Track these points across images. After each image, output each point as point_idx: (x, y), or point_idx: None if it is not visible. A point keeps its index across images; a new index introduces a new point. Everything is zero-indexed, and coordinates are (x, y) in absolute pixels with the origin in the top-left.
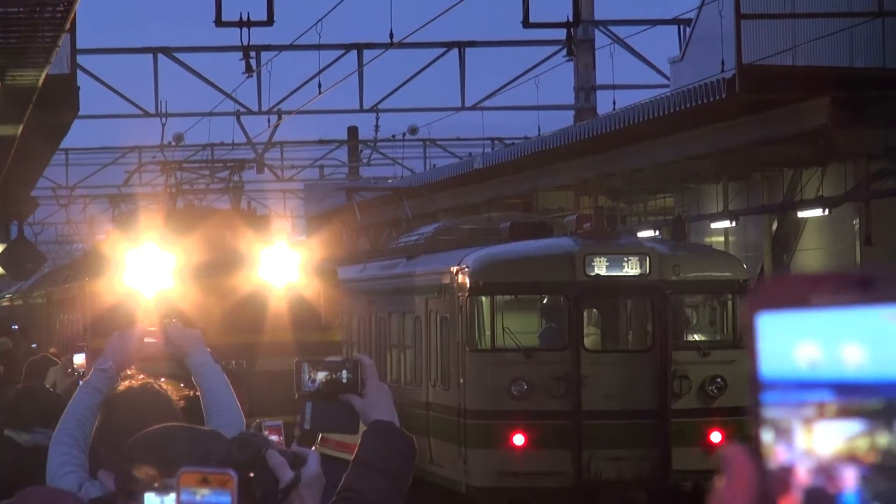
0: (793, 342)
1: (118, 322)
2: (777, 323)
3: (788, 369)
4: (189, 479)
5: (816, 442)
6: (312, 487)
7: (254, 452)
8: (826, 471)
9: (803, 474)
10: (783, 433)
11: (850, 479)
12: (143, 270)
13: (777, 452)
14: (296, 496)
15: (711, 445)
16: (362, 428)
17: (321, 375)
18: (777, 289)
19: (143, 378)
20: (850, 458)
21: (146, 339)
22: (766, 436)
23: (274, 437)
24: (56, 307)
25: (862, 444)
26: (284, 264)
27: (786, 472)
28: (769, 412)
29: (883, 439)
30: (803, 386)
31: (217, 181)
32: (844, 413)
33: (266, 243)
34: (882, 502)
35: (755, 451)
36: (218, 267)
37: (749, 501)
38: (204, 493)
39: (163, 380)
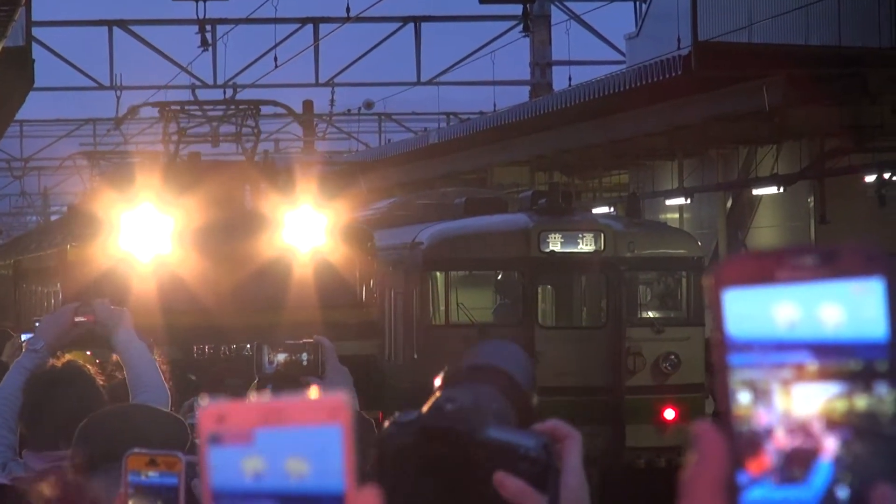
0: (766, 305)
1: (108, 295)
2: (745, 295)
3: (761, 330)
4: (136, 461)
5: (792, 404)
6: None
7: None
8: (802, 433)
9: (777, 437)
10: (756, 395)
11: (827, 441)
12: (138, 234)
13: (749, 415)
14: None
15: (665, 422)
16: None
17: (281, 357)
18: (743, 265)
19: (68, 358)
20: (828, 420)
21: (77, 319)
22: (736, 399)
23: None
24: (25, 277)
25: (840, 406)
26: (310, 227)
27: (758, 436)
28: (739, 374)
29: (861, 402)
30: (777, 347)
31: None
32: (821, 375)
33: (288, 202)
34: (859, 465)
35: (725, 425)
36: (229, 231)
37: (720, 477)
38: (151, 475)
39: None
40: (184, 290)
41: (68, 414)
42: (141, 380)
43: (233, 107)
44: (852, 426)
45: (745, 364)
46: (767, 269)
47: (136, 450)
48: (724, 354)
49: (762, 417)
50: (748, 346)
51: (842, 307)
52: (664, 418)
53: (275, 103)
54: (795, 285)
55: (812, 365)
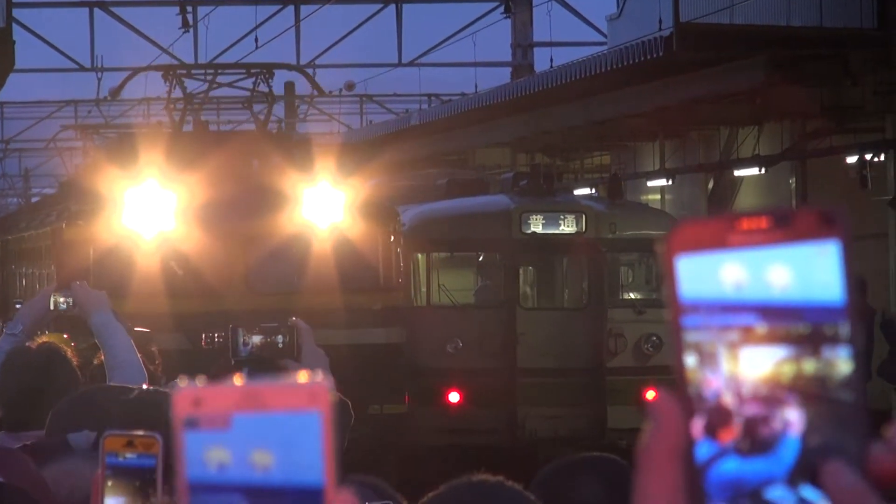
0: (716, 267)
1: (107, 278)
2: (697, 261)
3: (711, 291)
4: (114, 442)
5: (742, 367)
6: None
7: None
8: (759, 400)
9: (732, 402)
10: (708, 358)
11: (789, 410)
12: (140, 211)
13: (703, 379)
14: None
15: (647, 403)
16: None
17: (256, 339)
18: (694, 231)
19: (44, 339)
20: (777, 384)
21: (58, 301)
22: (690, 361)
23: None
24: (13, 258)
25: (788, 369)
26: (329, 203)
27: (719, 402)
28: (692, 336)
29: (810, 366)
30: (727, 308)
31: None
32: (771, 338)
33: (305, 176)
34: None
35: (680, 389)
36: (240, 207)
37: (678, 445)
38: (129, 456)
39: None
40: (191, 272)
41: (42, 395)
42: (117, 360)
43: (243, 71)
44: (802, 391)
45: (695, 326)
46: (719, 233)
47: (113, 431)
48: (678, 316)
49: (711, 382)
50: (696, 308)
51: (792, 270)
52: (646, 399)
53: (290, 67)
54: (747, 250)
55: (760, 327)
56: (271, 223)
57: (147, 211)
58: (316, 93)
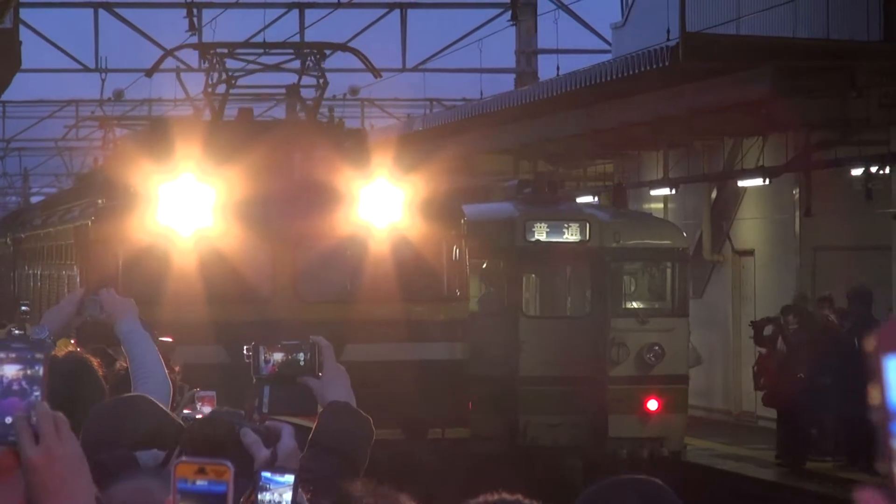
0: None
1: (139, 281)
2: None
3: None
4: (185, 469)
5: None
6: (288, 463)
7: (226, 430)
8: None
9: None
10: None
11: None
12: (176, 209)
13: None
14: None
15: (648, 413)
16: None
17: (277, 357)
18: None
19: (71, 348)
20: None
21: (84, 307)
22: None
23: (207, 409)
24: (27, 257)
25: None
26: (387, 203)
27: None
28: None
29: None
30: None
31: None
32: None
33: (360, 171)
34: None
35: (890, 492)
36: (287, 205)
37: None
38: (200, 483)
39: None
40: (232, 276)
41: (72, 405)
42: (143, 370)
43: (291, 51)
44: None
45: None
46: None
47: (185, 458)
48: (887, 422)
49: None
50: None
51: None
52: (647, 409)
53: (344, 48)
54: None
55: None
56: (322, 223)
57: (183, 208)
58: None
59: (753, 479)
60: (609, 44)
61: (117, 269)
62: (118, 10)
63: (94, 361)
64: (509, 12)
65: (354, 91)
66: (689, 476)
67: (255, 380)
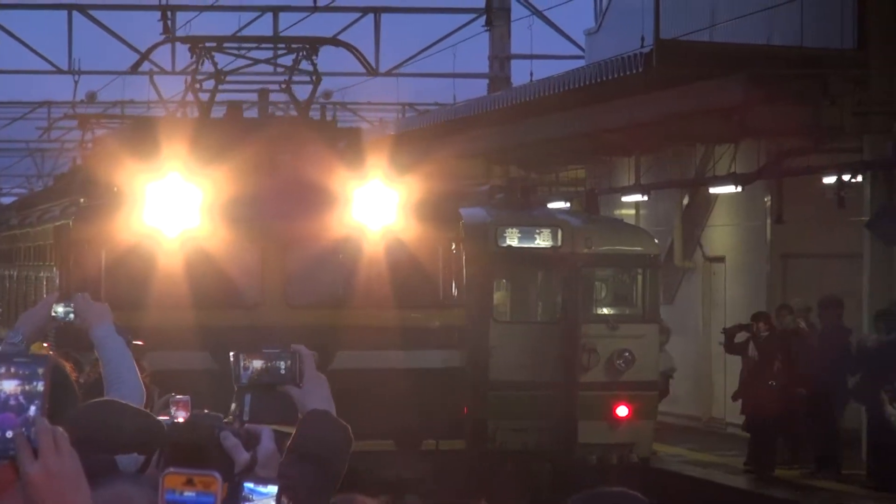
0: None
1: (122, 284)
2: None
3: None
4: (174, 480)
5: None
6: (268, 467)
7: (206, 434)
8: None
9: None
10: None
11: None
12: (161, 209)
13: None
14: (252, 478)
15: (618, 419)
16: None
17: (258, 365)
18: None
19: (44, 352)
20: None
21: (53, 312)
22: None
23: (182, 414)
24: (3, 257)
25: None
26: (381, 204)
27: None
28: None
29: None
30: None
31: (275, 74)
32: None
33: (353, 171)
34: None
35: None
36: (277, 207)
37: None
38: (188, 494)
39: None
40: (219, 280)
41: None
42: (116, 376)
43: (283, 45)
44: None
45: None
46: None
47: (173, 469)
48: None
49: None
50: None
51: None
52: (617, 415)
53: (337, 42)
54: None
55: None
56: (313, 225)
57: (169, 208)
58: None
59: (722, 485)
60: (582, 50)
61: (100, 271)
62: (92, 13)
63: (68, 366)
64: (483, 17)
65: (327, 95)
66: (657, 482)
67: (235, 388)
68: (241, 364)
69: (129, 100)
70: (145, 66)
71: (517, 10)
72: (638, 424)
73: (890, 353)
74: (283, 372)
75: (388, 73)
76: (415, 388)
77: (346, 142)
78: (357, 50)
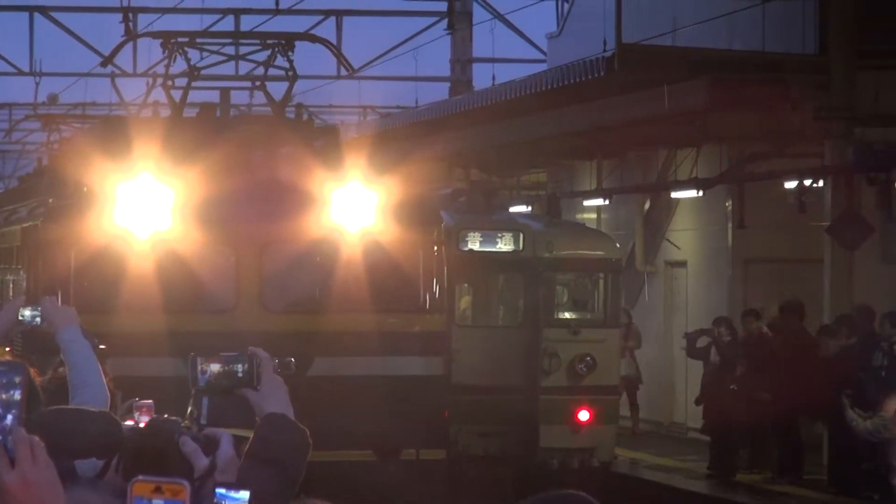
0: None
1: (92, 287)
2: None
3: None
4: (142, 487)
5: None
6: (227, 471)
7: (165, 439)
8: None
9: None
10: None
11: None
12: (132, 210)
13: None
14: (211, 483)
15: (579, 424)
16: None
17: (215, 368)
18: None
19: (8, 356)
20: None
21: (20, 316)
22: None
23: (146, 419)
24: None
25: None
26: (359, 206)
27: None
28: None
29: None
30: None
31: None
32: None
33: (331, 172)
34: None
35: None
36: (252, 208)
37: None
38: (156, 501)
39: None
40: (192, 284)
41: None
42: (82, 380)
43: (258, 42)
44: None
45: None
46: None
47: (142, 477)
48: None
49: None
50: None
51: None
52: (578, 419)
53: (314, 38)
54: None
55: None
56: (290, 227)
57: (140, 208)
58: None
59: (683, 490)
60: (545, 54)
61: (69, 273)
62: (53, 14)
63: (31, 369)
64: (445, 21)
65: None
66: (619, 487)
67: (192, 391)
68: (199, 367)
69: (91, 101)
70: (107, 67)
71: (479, 14)
72: (599, 429)
73: (850, 357)
74: (240, 375)
75: (350, 76)
76: (394, 395)
77: (323, 141)
78: (334, 46)
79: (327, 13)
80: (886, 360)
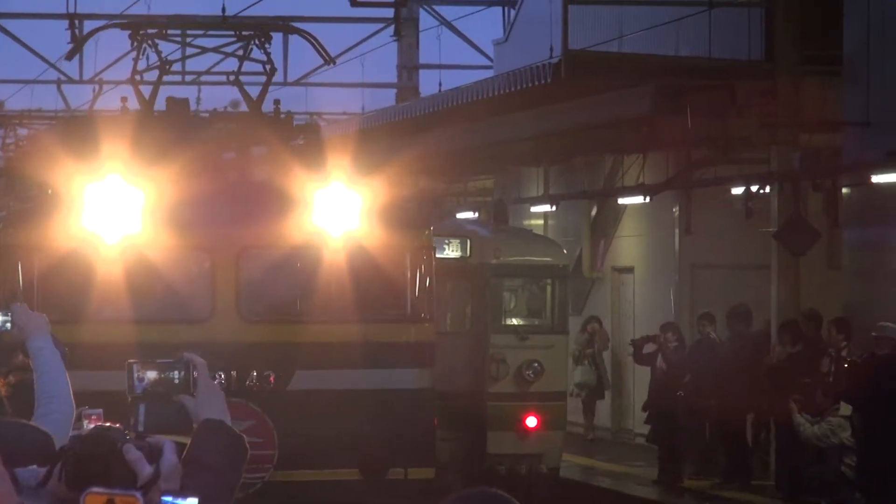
0: None
1: (58, 295)
2: None
3: None
4: (95, 500)
5: None
6: (171, 479)
7: (109, 447)
8: None
9: None
10: None
11: None
12: (100, 214)
13: None
14: (155, 491)
15: (527, 430)
16: None
17: (151, 375)
18: None
19: None
20: None
21: None
22: None
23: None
24: None
25: None
26: (343, 209)
27: None
28: None
29: None
30: None
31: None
32: None
33: (313, 173)
34: None
35: None
36: (228, 211)
37: None
38: None
39: None
40: (166, 292)
41: None
42: (49, 389)
43: (233, 32)
44: None
45: None
46: None
47: (95, 489)
48: None
49: None
50: None
51: None
52: (526, 425)
53: (293, 30)
54: None
55: None
56: (269, 231)
57: (109, 212)
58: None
59: (631, 496)
60: (491, 60)
61: (33, 281)
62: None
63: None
64: (392, 27)
65: (235, 104)
66: (566, 493)
67: (129, 399)
68: (136, 375)
69: (38, 108)
70: (52, 74)
71: (426, 20)
72: (547, 435)
73: (797, 363)
74: (176, 382)
75: (297, 83)
76: (381, 410)
77: (304, 139)
78: (314, 37)
79: (274, 20)
80: (834, 366)
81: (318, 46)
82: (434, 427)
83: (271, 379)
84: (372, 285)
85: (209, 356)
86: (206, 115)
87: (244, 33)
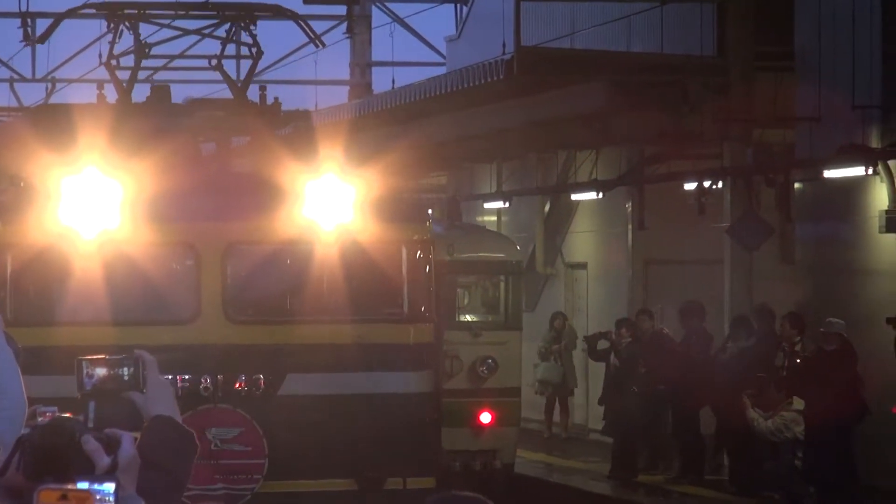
0: None
1: (31, 294)
2: None
3: None
4: (49, 495)
5: None
6: (129, 471)
7: (67, 438)
8: None
9: None
10: None
11: None
12: (77, 208)
13: None
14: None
15: (481, 426)
16: None
17: (101, 372)
18: None
19: None
20: None
21: None
22: None
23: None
24: None
25: None
26: (336, 201)
27: None
28: None
29: None
30: None
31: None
32: None
33: (303, 163)
34: None
35: None
36: (213, 205)
37: None
38: None
39: None
40: (148, 291)
41: None
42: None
43: (215, 14)
44: None
45: None
46: None
47: (49, 485)
48: None
49: None
50: None
51: None
52: (480, 422)
53: (280, 11)
54: None
55: None
56: (257, 225)
57: (86, 206)
58: None
59: (585, 491)
60: (444, 57)
61: (5, 280)
62: None
63: None
64: (344, 24)
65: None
66: (521, 488)
67: (79, 396)
68: (85, 371)
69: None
70: (4, 72)
71: (378, 17)
72: (501, 431)
73: (749, 358)
74: (126, 378)
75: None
76: (378, 416)
77: (294, 127)
78: (304, 21)
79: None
80: (787, 361)
81: (309, 30)
82: (437, 433)
83: (261, 383)
84: (367, 282)
85: (194, 359)
86: (182, 102)
87: (228, 14)
